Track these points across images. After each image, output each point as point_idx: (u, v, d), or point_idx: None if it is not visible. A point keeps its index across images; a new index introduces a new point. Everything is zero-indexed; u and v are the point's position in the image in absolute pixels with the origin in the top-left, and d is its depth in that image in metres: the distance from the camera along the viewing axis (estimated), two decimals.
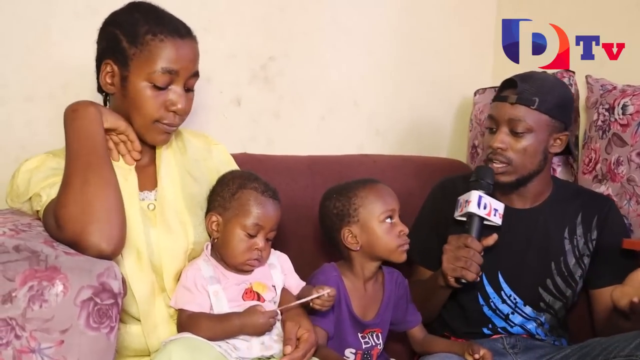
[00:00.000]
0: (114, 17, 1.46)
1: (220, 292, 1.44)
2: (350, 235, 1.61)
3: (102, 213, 1.27)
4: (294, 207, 1.82)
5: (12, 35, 1.76)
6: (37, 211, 1.38)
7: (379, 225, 1.59)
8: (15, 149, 1.76)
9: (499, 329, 1.78)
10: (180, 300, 1.44)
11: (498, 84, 2.20)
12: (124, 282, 1.25)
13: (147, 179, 1.51)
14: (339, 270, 1.62)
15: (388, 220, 1.60)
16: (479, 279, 1.64)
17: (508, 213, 1.72)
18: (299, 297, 1.51)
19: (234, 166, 1.67)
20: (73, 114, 1.38)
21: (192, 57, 1.45)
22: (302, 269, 1.61)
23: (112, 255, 1.28)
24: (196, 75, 1.47)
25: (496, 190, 1.73)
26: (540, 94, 1.69)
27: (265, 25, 2.10)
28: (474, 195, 1.66)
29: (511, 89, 1.73)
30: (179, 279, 1.48)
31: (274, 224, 1.50)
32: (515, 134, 1.70)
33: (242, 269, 1.49)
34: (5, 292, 1.12)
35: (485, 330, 1.79)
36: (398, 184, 1.83)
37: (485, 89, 2.26)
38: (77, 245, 1.25)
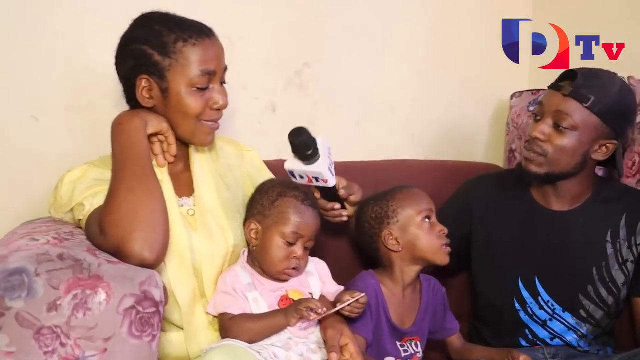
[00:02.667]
0: (133, 33, 1.47)
1: (259, 299, 1.45)
2: (391, 237, 1.61)
3: (147, 221, 1.30)
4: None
5: (53, 48, 1.80)
6: (79, 220, 1.41)
7: (420, 225, 1.60)
8: (57, 157, 1.80)
9: (537, 341, 1.73)
10: (220, 305, 1.45)
11: (535, 87, 2.19)
12: (165, 290, 1.26)
13: (184, 186, 1.54)
14: (378, 278, 1.61)
15: (427, 220, 1.60)
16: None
17: (545, 215, 1.68)
18: (334, 303, 1.51)
19: (267, 172, 1.69)
20: (119, 127, 1.41)
21: (221, 53, 1.49)
22: (340, 277, 1.61)
23: (155, 264, 1.30)
24: (226, 68, 1.51)
25: (529, 185, 1.68)
26: (598, 93, 1.59)
27: (300, 31, 2.10)
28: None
29: (569, 80, 1.63)
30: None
31: (312, 233, 1.50)
32: (558, 128, 1.62)
33: (279, 277, 1.49)
34: (51, 300, 1.13)
35: (523, 342, 1.74)
36: (434, 189, 1.82)
37: (522, 92, 2.23)
38: (120, 253, 1.27)
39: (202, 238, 1.48)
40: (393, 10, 2.22)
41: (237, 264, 1.51)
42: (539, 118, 1.67)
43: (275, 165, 1.76)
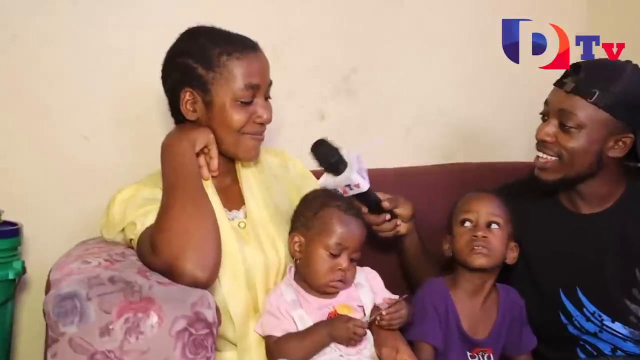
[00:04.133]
0: (178, 47, 1.48)
1: (305, 317, 1.41)
2: (446, 241, 1.60)
3: (198, 240, 1.29)
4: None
5: (102, 65, 1.82)
6: (131, 240, 1.40)
7: (458, 229, 1.56)
8: (108, 174, 1.80)
9: (597, 353, 1.63)
10: (266, 326, 1.42)
11: None
12: (218, 311, 1.24)
13: (233, 198, 1.53)
14: (448, 285, 1.56)
15: (466, 224, 1.55)
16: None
17: (575, 220, 1.59)
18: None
19: (312, 179, 1.67)
20: (169, 149, 1.42)
21: (266, 67, 1.49)
22: (393, 289, 1.55)
23: (207, 283, 1.29)
24: (271, 83, 1.51)
25: (556, 190, 1.60)
26: (603, 85, 1.48)
27: (346, 36, 2.06)
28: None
29: (572, 75, 1.53)
30: None
31: (357, 244, 1.45)
32: (564, 128, 1.52)
33: (325, 291, 1.45)
34: (103, 324, 1.12)
35: (582, 354, 1.64)
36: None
37: None
38: (171, 272, 1.26)
39: (255, 250, 1.47)
40: (441, 12, 2.17)
41: (282, 281, 1.48)
42: (546, 118, 1.58)
43: None
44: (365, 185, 1.52)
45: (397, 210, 1.63)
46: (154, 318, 1.14)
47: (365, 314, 1.45)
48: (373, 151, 2.06)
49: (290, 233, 1.50)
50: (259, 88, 1.45)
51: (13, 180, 1.79)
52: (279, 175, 1.63)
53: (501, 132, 2.29)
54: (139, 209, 1.39)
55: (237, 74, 1.42)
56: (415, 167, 2.05)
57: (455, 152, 2.23)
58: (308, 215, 1.47)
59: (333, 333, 1.36)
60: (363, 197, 1.57)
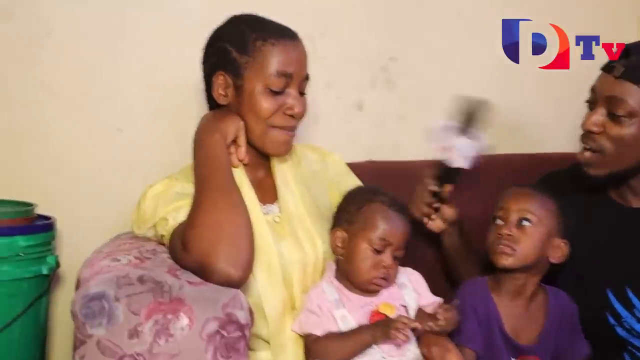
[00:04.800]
0: (218, 32, 1.47)
1: (347, 316, 1.37)
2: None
3: (231, 236, 1.25)
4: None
5: (135, 58, 1.82)
6: (162, 236, 1.37)
7: (490, 225, 1.50)
8: (143, 168, 1.79)
9: None
10: (305, 324, 1.38)
11: None
12: (251, 312, 1.20)
13: (267, 192, 1.49)
14: (490, 286, 1.49)
15: (496, 221, 1.49)
16: None
17: (625, 215, 1.50)
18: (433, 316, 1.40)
19: (351, 176, 1.62)
20: (200, 143, 1.39)
21: (303, 58, 1.45)
22: (436, 289, 1.49)
23: (240, 281, 1.25)
24: (307, 78, 1.46)
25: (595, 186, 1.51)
26: None
27: (384, 24, 2.01)
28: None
29: (622, 59, 1.44)
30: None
31: (401, 241, 1.41)
32: (613, 116, 1.43)
33: (367, 288, 1.40)
34: (132, 326, 1.09)
35: (628, 358, 1.55)
36: None
37: None
38: (203, 270, 1.23)
39: (291, 245, 1.43)
40: (548, 6, 2.07)
41: (323, 279, 1.43)
42: (592, 107, 1.48)
43: (364, 168, 1.69)
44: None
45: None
46: (184, 320, 1.10)
47: (408, 314, 1.41)
48: (414, 142, 2.05)
49: (332, 229, 1.46)
50: (292, 78, 1.41)
51: (46, 174, 1.80)
52: (318, 172, 1.58)
53: (545, 121, 2.20)
54: (170, 204, 1.36)
55: (270, 60, 1.39)
56: None
57: (497, 143, 2.15)
58: (351, 210, 1.43)
59: (377, 335, 1.32)
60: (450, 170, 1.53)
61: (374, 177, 1.65)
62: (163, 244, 1.37)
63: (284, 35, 1.42)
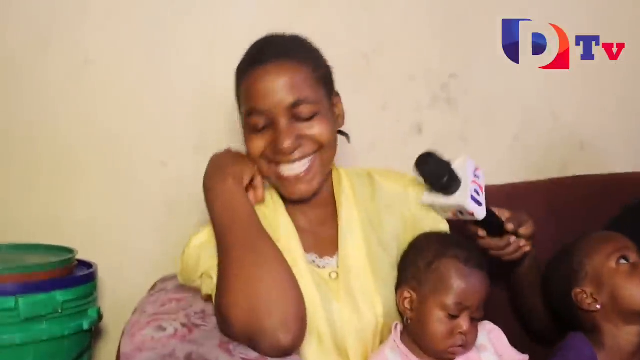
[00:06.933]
0: None
1: None
2: (584, 295, 1.29)
3: (270, 297, 1.08)
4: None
5: (178, 87, 1.75)
6: (208, 294, 1.22)
7: (615, 270, 1.27)
8: (189, 203, 1.68)
9: None
10: None
11: None
12: None
13: (327, 242, 1.29)
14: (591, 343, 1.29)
15: (623, 261, 1.28)
16: None
17: None
18: None
19: (433, 214, 1.36)
20: (213, 193, 1.21)
21: (281, 84, 1.20)
22: (516, 342, 1.32)
23: (293, 345, 1.08)
24: (305, 101, 1.20)
25: None
26: None
27: (443, 39, 1.88)
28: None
29: None
30: None
31: (480, 301, 1.21)
32: None
33: (443, 357, 1.23)
34: None
35: None
36: (615, 210, 1.53)
37: None
38: (250, 341, 1.08)
39: (346, 308, 1.23)
40: (551, 5, 1.93)
41: (386, 344, 1.24)
42: None
43: None
44: (481, 214, 1.25)
45: (521, 231, 1.35)
46: None
47: None
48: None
49: (398, 287, 1.26)
50: (267, 112, 1.20)
51: (85, 213, 1.73)
52: (393, 206, 1.34)
53: (629, 137, 2.03)
54: (214, 258, 1.19)
55: (242, 97, 1.24)
56: (526, 182, 1.81)
57: (571, 162, 1.99)
58: (420, 266, 1.24)
59: None
60: (483, 222, 1.30)
61: None
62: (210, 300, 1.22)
63: (254, 61, 1.23)
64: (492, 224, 1.30)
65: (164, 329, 1.09)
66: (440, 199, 1.25)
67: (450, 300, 1.19)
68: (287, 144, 1.19)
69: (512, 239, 1.32)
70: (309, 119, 1.21)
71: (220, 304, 1.11)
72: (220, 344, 1.04)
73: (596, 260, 1.29)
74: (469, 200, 1.22)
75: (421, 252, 1.24)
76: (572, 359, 1.25)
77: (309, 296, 1.18)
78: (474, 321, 1.22)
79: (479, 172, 1.27)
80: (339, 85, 1.81)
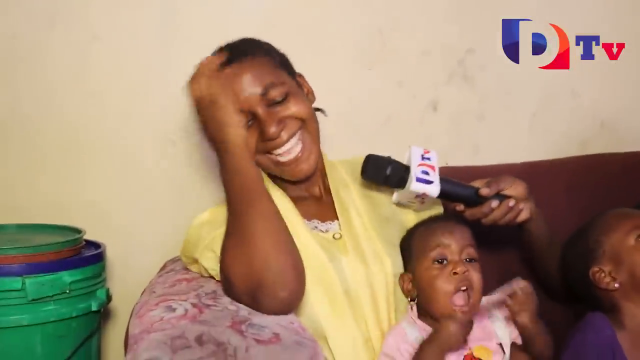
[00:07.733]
0: None
1: None
2: (602, 273, 1.26)
3: (265, 249, 1.13)
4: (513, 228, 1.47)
5: (187, 63, 1.54)
6: (210, 269, 1.24)
7: (634, 247, 1.24)
8: (199, 183, 1.68)
9: None
10: None
11: None
12: None
13: (327, 210, 1.35)
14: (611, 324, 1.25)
15: None
16: None
17: None
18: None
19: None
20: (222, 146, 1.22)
21: (253, 77, 1.26)
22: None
23: (292, 299, 1.13)
24: (272, 86, 1.26)
25: None
26: None
27: (460, 13, 1.83)
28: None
29: None
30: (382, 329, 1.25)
31: (460, 238, 1.25)
32: None
33: (452, 315, 1.22)
34: None
35: None
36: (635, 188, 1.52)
37: None
38: (252, 299, 1.13)
39: (355, 261, 1.27)
40: (548, 6, 1.90)
41: (403, 320, 1.26)
42: None
43: (441, 173, 1.48)
44: (434, 191, 1.27)
45: (508, 192, 1.35)
46: None
47: (505, 354, 1.24)
48: (494, 143, 1.88)
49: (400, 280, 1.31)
50: (245, 109, 1.24)
51: (93, 194, 1.69)
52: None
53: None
54: (215, 231, 1.23)
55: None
56: (545, 160, 1.78)
57: (591, 141, 1.94)
58: (405, 248, 1.32)
59: (442, 341, 1.17)
60: (449, 196, 1.32)
61: None
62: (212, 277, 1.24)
63: (230, 59, 1.26)
64: (462, 195, 1.32)
65: (174, 310, 1.05)
66: (400, 194, 1.32)
67: (429, 251, 1.25)
68: (272, 129, 1.25)
69: (494, 203, 1.31)
70: (283, 100, 1.27)
71: (222, 264, 1.16)
72: (232, 324, 1.01)
73: (614, 237, 1.26)
74: (414, 183, 1.26)
75: (405, 240, 1.33)
76: (591, 339, 1.21)
77: (315, 256, 1.24)
78: (470, 261, 1.25)
79: (429, 153, 1.31)
80: (355, 61, 1.78)
